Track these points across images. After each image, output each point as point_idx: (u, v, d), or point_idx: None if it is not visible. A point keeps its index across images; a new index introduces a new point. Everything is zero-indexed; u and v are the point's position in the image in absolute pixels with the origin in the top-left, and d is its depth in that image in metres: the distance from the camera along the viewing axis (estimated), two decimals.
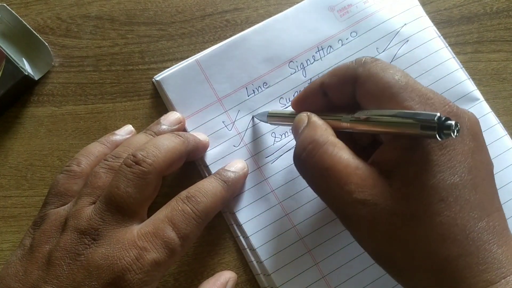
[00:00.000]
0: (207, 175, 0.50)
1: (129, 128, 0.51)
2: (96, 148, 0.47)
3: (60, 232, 0.39)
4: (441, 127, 0.31)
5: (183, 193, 0.42)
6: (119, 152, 0.44)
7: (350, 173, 0.36)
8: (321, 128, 0.39)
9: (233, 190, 0.47)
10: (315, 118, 0.41)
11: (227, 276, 0.47)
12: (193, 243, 0.49)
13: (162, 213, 0.40)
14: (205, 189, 0.43)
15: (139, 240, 0.38)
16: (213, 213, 0.43)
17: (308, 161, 0.39)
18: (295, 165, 0.41)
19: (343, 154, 0.37)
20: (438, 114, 0.31)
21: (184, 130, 0.51)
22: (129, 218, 0.39)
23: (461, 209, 0.34)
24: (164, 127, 0.48)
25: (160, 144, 0.42)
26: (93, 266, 0.37)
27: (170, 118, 0.49)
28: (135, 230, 0.39)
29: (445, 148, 0.35)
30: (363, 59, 0.39)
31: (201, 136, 0.49)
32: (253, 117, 0.51)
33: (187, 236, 0.39)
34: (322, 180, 0.38)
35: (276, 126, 0.51)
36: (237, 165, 0.48)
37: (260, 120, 0.50)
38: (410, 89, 0.36)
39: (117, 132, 0.50)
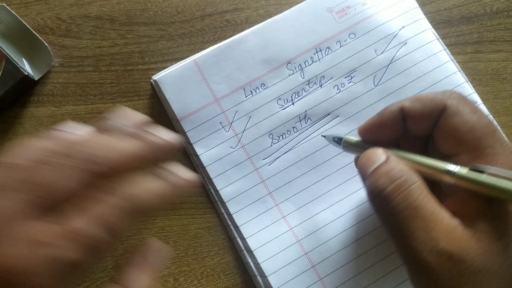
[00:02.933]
0: (204, 175, 0.51)
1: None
2: None
3: None
4: None
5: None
6: None
7: (437, 220, 0.34)
8: (408, 170, 0.37)
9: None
10: (393, 158, 0.38)
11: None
12: (193, 243, 0.50)
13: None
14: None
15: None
16: None
17: (392, 197, 0.36)
18: (372, 200, 0.38)
19: (430, 199, 0.35)
20: None
21: (182, 129, 0.51)
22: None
23: None
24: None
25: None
26: None
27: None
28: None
29: None
30: (453, 94, 0.38)
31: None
32: (324, 136, 0.49)
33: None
34: (405, 219, 0.35)
35: (275, 127, 0.51)
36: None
37: (330, 142, 0.47)
38: (496, 138, 0.35)
39: None
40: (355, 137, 0.43)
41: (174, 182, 0.39)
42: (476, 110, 0.37)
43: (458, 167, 0.35)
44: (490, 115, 0.51)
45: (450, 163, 0.36)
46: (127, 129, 0.39)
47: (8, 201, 0.35)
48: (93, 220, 0.35)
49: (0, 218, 0.34)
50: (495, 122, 0.50)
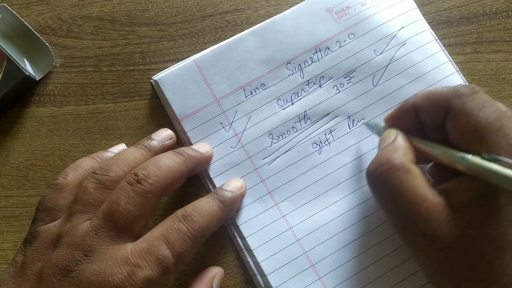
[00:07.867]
0: (204, 175, 0.51)
1: (122, 146, 0.51)
2: (85, 162, 0.46)
3: (52, 249, 0.39)
4: None
5: (180, 212, 0.42)
6: (109, 165, 0.43)
7: (417, 202, 0.38)
8: (400, 151, 0.41)
9: (230, 210, 0.47)
10: (400, 139, 0.42)
11: (213, 271, 0.47)
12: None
13: (157, 231, 0.40)
14: (202, 209, 0.42)
15: (132, 256, 0.37)
16: (209, 233, 0.43)
17: (380, 180, 0.40)
18: (367, 177, 0.43)
19: (414, 183, 0.38)
20: None
21: (182, 129, 0.51)
22: (125, 235, 0.39)
23: None
24: (155, 142, 0.47)
25: (161, 163, 0.42)
26: (84, 283, 0.36)
27: (161, 134, 0.49)
28: (129, 247, 0.38)
29: None
30: (461, 90, 0.39)
31: (203, 148, 0.49)
32: (365, 124, 0.51)
33: (181, 255, 0.39)
34: (389, 201, 0.40)
35: (275, 127, 0.51)
36: (234, 184, 0.48)
37: (371, 130, 0.50)
38: (501, 135, 0.36)
39: (110, 149, 0.49)
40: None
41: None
42: (483, 106, 0.37)
43: (470, 155, 0.37)
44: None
45: (461, 152, 0.38)
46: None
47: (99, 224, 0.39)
48: (163, 242, 0.39)
49: (99, 242, 0.39)
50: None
